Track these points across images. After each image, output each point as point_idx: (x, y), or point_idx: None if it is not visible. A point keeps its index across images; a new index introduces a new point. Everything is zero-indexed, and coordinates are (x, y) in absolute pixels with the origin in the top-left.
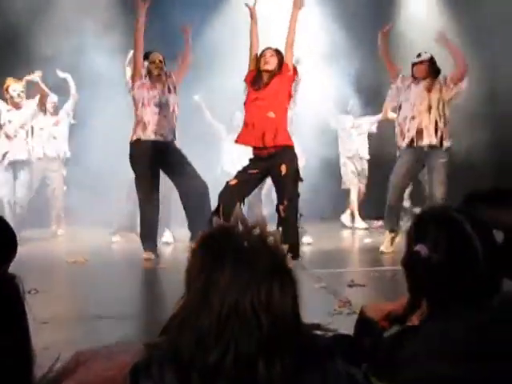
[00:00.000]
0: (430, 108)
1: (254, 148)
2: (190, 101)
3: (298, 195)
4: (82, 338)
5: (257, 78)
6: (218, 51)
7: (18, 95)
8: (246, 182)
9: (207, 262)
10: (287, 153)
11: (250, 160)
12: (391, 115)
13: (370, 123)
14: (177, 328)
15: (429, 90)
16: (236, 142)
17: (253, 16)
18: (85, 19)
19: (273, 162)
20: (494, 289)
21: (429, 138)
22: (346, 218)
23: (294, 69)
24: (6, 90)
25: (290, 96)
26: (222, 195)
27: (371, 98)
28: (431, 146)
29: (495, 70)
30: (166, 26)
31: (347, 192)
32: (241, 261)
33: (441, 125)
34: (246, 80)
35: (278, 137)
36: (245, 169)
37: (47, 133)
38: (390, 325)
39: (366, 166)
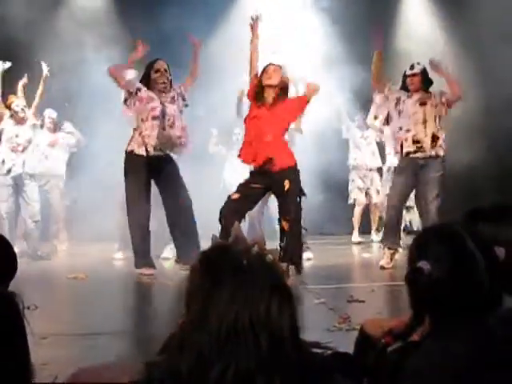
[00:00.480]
0: (425, 121)
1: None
2: (193, 113)
3: (301, 210)
4: (82, 354)
5: (259, 94)
6: (219, 64)
7: (22, 110)
8: (247, 196)
9: (206, 281)
10: (289, 170)
11: (252, 173)
12: (375, 124)
13: (375, 133)
14: (176, 346)
15: (423, 103)
16: (238, 156)
17: (254, 30)
18: (84, 33)
19: (276, 177)
20: (495, 305)
21: (425, 151)
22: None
23: (307, 101)
24: (9, 107)
25: (292, 122)
26: (223, 209)
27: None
28: (427, 159)
29: (493, 82)
30: (171, 40)
31: (352, 207)
32: (239, 279)
33: (437, 137)
34: (248, 96)
35: (277, 161)
36: (247, 182)
37: (40, 151)
38: (393, 340)
39: (376, 177)
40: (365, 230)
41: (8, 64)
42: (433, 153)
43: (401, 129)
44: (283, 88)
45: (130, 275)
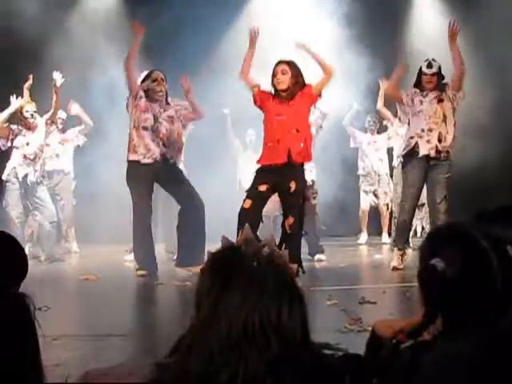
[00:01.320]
0: (445, 119)
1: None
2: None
3: (303, 211)
4: (93, 355)
5: (276, 96)
6: (230, 68)
7: (32, 115)
8: (258, 200)
9: (216, 283)
10: (297, 169)
11: (258, 172)
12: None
13: (386, 138)
14: (186, 348)
15: (440, 99)
16: (258, 162)
17: (252, 42)
18: (95, 33)
19: (282, 176)
20: (509, 305)
21: (441, 148)
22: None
23: (319, 94)
24: (20, 111)
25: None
26: (241, 221)
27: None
28: (437, 160)
29: (504, 80)
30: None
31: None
32: (249, 281)
33: (454, 134)
34: (255, 103)
35: (302, 155)
36: (254, 186)
37: (51, 150)
38: (406, 338)
39: (384, 179)
40: (374, 231)
41: (21, 100)
42: (445, 152)
43: (423, 130)
44: (297, 79)
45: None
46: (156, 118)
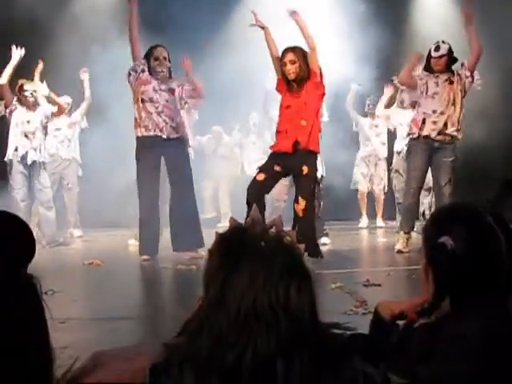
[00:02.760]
0: (454, 101)
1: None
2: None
3: (314, 196)
4: (100, 337)
5: (288, 86)
6: (232, 50)
7: (31, 94)
8: (271, 177)
9: (224, 263)
10: (310, 155)
11: (273, 155)
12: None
13: (386, 120)
14: (195, 329)
15: (451, 81)
16: (271, 148)
17: (258, 23)
18: (98, 17)
19: (295, 160)
20: None
21: (445, 134)
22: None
23: (321, 74)
24: (19, 90)
25: (321, 100)
26: (251, 191)
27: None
28: (443, 143)
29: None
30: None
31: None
32: (258, 261)
33: (461, 117)
34: (277, 89)
35: (309, 144)
36: (269, 164)
37: (63, 135)
38: (418, 318)
39: (383, 166)
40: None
41: (23, 51)
42: (452, 135)
43: (434, 111)
44: (304, 65)
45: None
46: (155, 90)
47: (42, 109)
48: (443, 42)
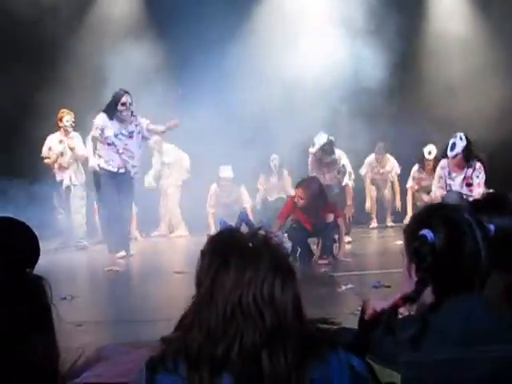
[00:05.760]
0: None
1: None
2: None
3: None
4: (113, 339)
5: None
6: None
7: (71, 125)
8: None
9: (214, 263)
10: None
11: None
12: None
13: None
14: (188, 324)
15: (468, 184)
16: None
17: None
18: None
19: None
20: (488, 276)
21: None
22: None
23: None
24: (60, 120)
25: None
26: None
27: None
28: None
29: None
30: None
31: None
32: (245, 260)
33: None
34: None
35: None
36: None
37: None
38: (402, 303)
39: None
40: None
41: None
42: None
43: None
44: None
45: (161, 267)
46: (116, 135)
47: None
48: (460, 138)
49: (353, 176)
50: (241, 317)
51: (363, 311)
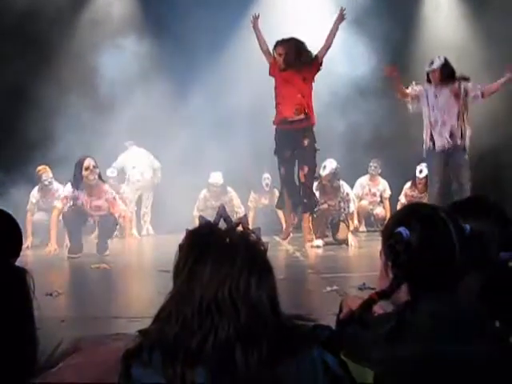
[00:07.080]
0: (459, 113)
1: (281, 123)
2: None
3: (315, 165)
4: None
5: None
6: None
7: (49, 182)
8: (290, 166)
9: (191, 257)
10: (309, 130)
11: (277, 136)
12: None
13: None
14: (165, 317)
15: (456, 95)
16: (274, 122)
17: (256, 28)
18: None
19: (297, 135)
20: (463, 274)
21: (456, 141)
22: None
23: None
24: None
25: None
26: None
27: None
28: (455, 150)
29: None
30: None
31: None
32: (221, 256)
33: (467, 127)
34: (270, 74)
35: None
36: (280, 153)
37: None
38: (378, 298)
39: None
40: None
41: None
42: (462, 142)
43: (436, 121)
44: (296, 54)
45: (150, 263)
46: (82, 210)
47: None
48: (438, 57)
49: (356, 203)
50: (216, 311)
51: (341, 309)
